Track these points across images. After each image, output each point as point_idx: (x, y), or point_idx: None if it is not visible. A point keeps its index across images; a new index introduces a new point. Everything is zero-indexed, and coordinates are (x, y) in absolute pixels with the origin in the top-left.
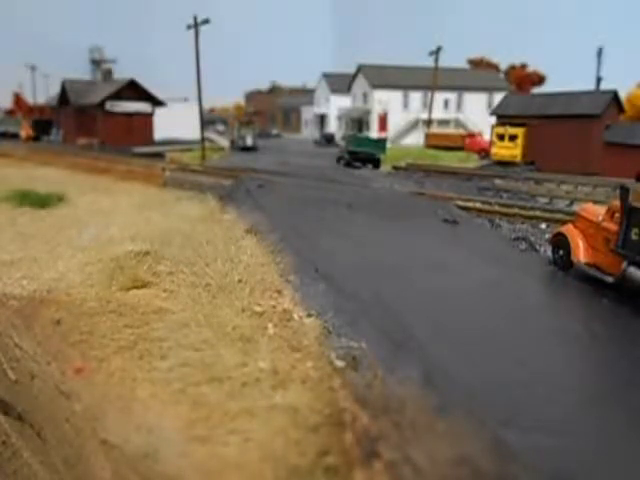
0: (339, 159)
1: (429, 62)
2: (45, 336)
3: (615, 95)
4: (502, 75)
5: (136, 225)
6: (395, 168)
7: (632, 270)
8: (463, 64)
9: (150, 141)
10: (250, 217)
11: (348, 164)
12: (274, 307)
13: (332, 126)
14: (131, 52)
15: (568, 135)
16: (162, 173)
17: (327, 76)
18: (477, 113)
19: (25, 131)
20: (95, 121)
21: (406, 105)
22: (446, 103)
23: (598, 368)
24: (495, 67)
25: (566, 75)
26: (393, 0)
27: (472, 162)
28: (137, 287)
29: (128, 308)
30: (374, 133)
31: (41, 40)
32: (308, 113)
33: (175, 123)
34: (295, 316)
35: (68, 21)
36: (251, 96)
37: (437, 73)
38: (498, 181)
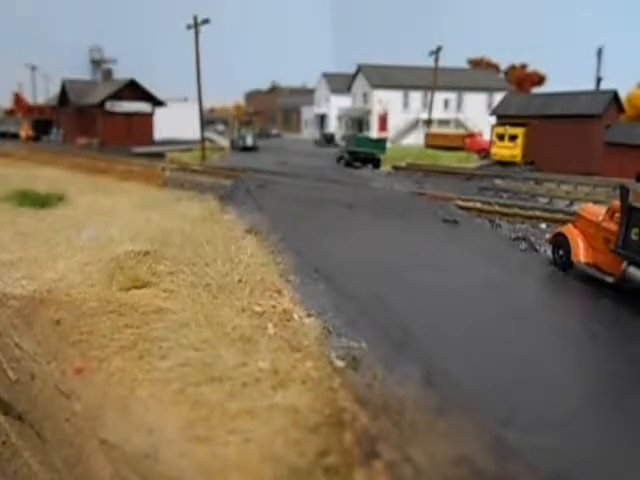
0: (339, 159)
1: (429, 62)
2: (45, 336)
3: (615, 95)
4: (502, 75)
5: (136, 225)
6: (395, 168)
7: (632, 270)
8: (463, 64)
9: (150, 141)
10: (250, 217)
11: (348, 164)
12: (274, 307)
13: (332, 126)
14: (131, 52)
15: (568, 135)
16: (162, 173)
17: (327, 76)
18: (477, 113)
19: (25, 131)
20: (95, 121)
21: (406, 105)
22: (446, 103)
23: (598, 368)
24: (495, 67)
25: (566, 75)
26: (393, 0)
27: (472, 162)
28: (137, 287)
29: (128, 308)
30: (374, 133)
31: (41, 40)
32: (308, 113)
33: (175, 123)
34: (295, 316)
35: (68, 21)
36: (251, 96)
37: (437, 73)
38: (498, 181)
